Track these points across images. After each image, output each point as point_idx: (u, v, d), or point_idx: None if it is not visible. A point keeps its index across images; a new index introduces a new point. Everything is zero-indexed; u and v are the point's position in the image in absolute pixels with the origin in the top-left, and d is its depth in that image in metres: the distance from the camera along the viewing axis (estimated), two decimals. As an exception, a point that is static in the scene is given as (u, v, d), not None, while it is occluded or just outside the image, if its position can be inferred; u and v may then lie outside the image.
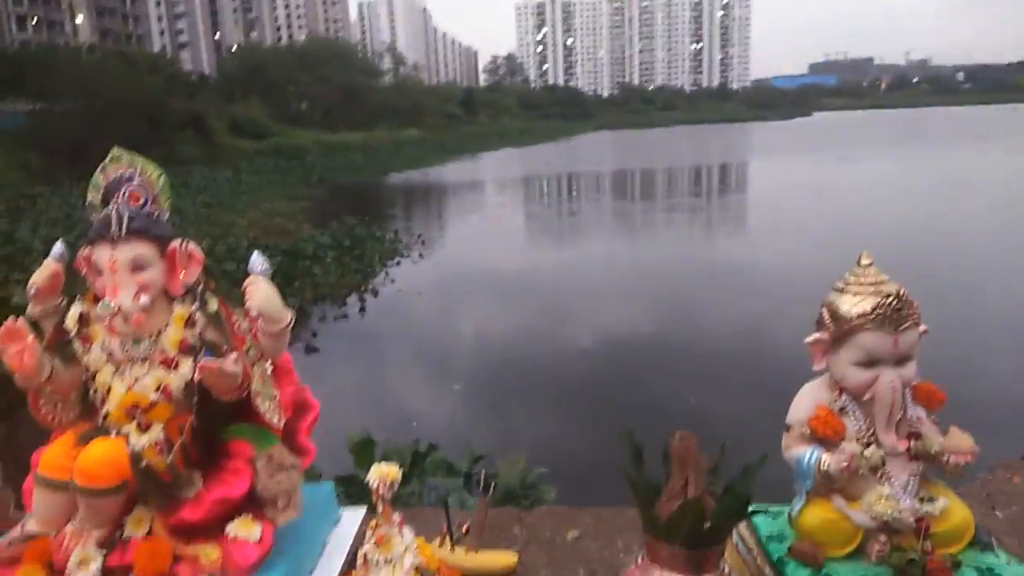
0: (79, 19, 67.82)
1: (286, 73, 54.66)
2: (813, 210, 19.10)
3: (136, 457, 1.36)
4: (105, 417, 1.40)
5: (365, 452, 4.37)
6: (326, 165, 35.71)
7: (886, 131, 58.37)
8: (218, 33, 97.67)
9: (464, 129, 68.37)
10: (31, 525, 1.42)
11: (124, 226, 1.38)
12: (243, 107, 43.56)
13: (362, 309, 10.72)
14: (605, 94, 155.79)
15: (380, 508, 1.36)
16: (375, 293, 11.47)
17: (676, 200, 24.96)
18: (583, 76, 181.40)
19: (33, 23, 63.61)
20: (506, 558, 1.67)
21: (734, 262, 13.34)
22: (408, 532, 1.37)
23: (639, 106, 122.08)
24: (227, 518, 1.40)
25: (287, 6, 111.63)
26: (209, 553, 1.34)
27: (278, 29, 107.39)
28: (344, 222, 16.35)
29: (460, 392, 7.84)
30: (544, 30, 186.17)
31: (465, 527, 1.69)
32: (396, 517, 1.38)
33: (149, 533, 1.38)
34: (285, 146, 39.80)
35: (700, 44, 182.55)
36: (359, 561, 1.36)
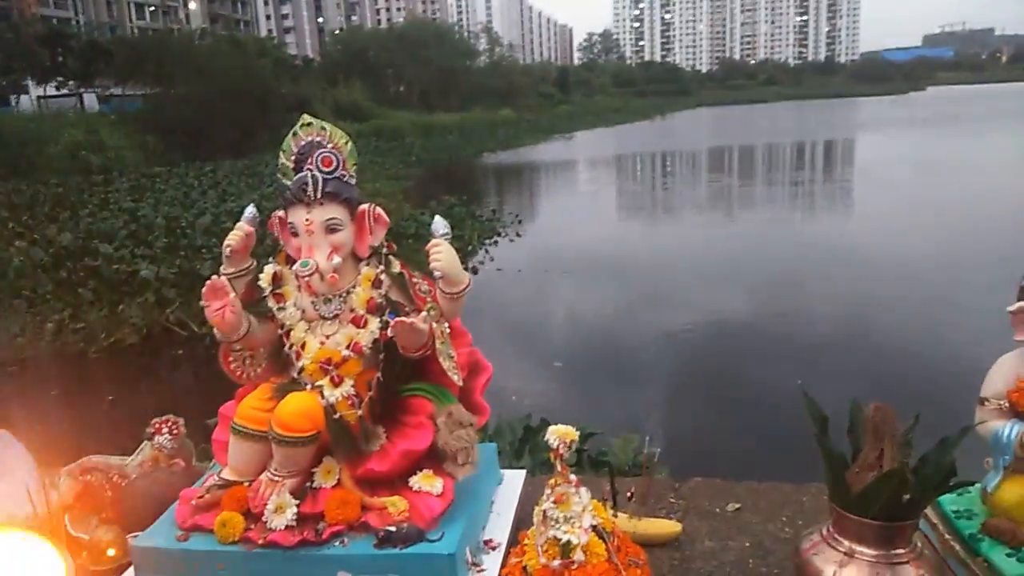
0: (191, 5, 71.06)
1: (386, 55, 55.69)
2: (926, 189, 18.11)
3: (330, 409, 1.43)
4: (300, 371, 1.47)
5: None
6: (423, 146, 36.26)
7: (1007, 106, 54.41)
8: (321, 17, 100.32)
9: (558, 108, 68.03)
10: (226, 473, 1.51)
11: (320, 189, 1.44)
12: (345, 90, 44.67)
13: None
14: (704, 69, 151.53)
15: (559, 467, 1.37)
16: (475, 271, 11.59)
17: (777, 178, 24.13)
18: (681, 51, 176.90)
19: (150, 10, 67.09)
20: (670, 526, 1.66)
21: (840, 242, 12.83)
22: (585, 492, 1.39)
23: (740, 81, 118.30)
24: (410, 471, 1.45)
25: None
26: (397, 503, 1.39)
27: (378, 12, 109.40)
28: (442, 201, 16.59)
29: (561, 369, 7.89)
30: (641, 5, 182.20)
31: (629, 493, 1.69)
32: (573, 477, 1.39)
33: (337, 484, 1.45)
34: (384, 128, 40.64)
35: (805, 16, 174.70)
36: (536, 519, 1.39)
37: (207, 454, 1.84)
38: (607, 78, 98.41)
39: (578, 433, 1.40)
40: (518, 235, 14.68)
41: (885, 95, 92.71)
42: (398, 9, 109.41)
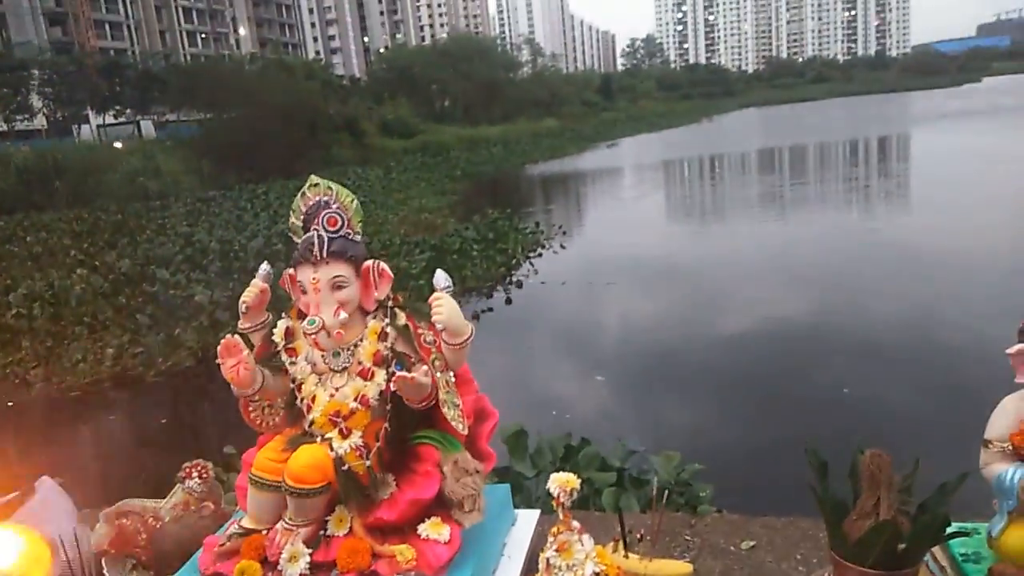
0: (241, 31, 73.12)
1: (430, 72, 56.40)
2: (985, 183, 17.52)
3: (339, 461, 1.49)
4: (311, 424, 1.53)
5: (519, 444, 4.46)
6: (468, 159, 36.58)
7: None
8: (366, 37, 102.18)
9: (602, 116, 67.84)
10: (246, 521, 1.57)
11: (325, 249, 1.50)
12: (391, 107, 45.39)
13: (508, 301, 10.91)
14: (750, 69, 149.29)
15: (561, 515, 1.40)
16: (519, 285, 11.65)
17: (830, 177, 23.62)
18: (726, 52, 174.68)
19: (202, 37, 69.25)
20: (681, 567, 1.67)
21: (897, 242, 12.50)
22: (588, 539, 1.41)
23: (788, 80, 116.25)
24: (418, 519, 1.49)
25: (429, 6, 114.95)
26: (405, 552, 1.43)
27: (421, 29, 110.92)
28: (487, 215, 16.70)
29: (605, 383, 7.84)
30: (684, 8, 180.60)
31: (640, 534, 1.71)
32: (576, 524, 1.42)
33: (349, 532, 1.50)
34: (430, 143, 41.13)
35: (854, 11, 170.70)
36: (541, 566, 1.42)
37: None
38: (651, 83, 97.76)
39: (579, 481, 1.42)
40: (562, 247, 14.69)
41: (939, 88, 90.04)
42: (441, 25, 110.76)
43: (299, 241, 1.57)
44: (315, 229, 1.54)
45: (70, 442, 7.81)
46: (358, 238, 1.59)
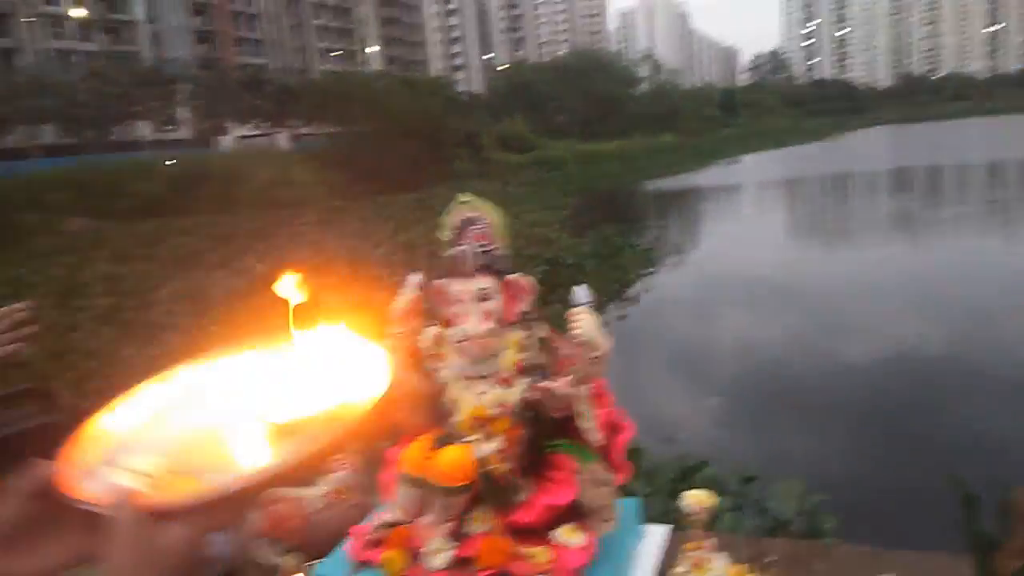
0: (370, 49, 76.46)
1: (548, 88, 57.01)
2: None
3: (482, 462, 1.57)
4: (456, 426, 1.63)
5: (634, 461, 4.45)
6: (583, 174, 36.64)
7: None
8: (488, 54, 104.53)
9: (723, 132, 66.37)
10: (392, 514, 1.68)
11: (473, 262, 1.60)
12: (509, 123, 46.15)
13: (620, 318, 10.86)
14: (882, 86, 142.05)
15: (696, 533, 1.43)
16: (633, 302, 11.56)
17: (969, 200, 22.17)
18: (857, 68, 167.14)
19: (334, 55, 72.90)
20: (813, 593, 1.66)
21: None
22: (722, 558, 1.43)
23: (923, 97, 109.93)
24: (553, 524, 1.56)
25: (550, 23, 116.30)
26: (541, 554, 1.50)
27: (541, 46, 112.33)
28: (600, 231, 16.67)
29: (721, 406, 7.68)
30: (813, 22, 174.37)
31: (769, 559, 1.70)
32: (710, 543, 1.44)
33: (488, 531, 1.58)
34: (545, 158, 41.50)
35: (996, 25, 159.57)
36: (673, 580, 1.45)
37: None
38: (776, 98, 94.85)
39: (719, 499, 1.45)
40: (678, 265, 14.49)
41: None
42: (562, 41, 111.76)
43: (447, 254, 1.68)
44: (464, 243, 1.64)
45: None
46: (503, 253, 1.68)
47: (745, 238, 18.04)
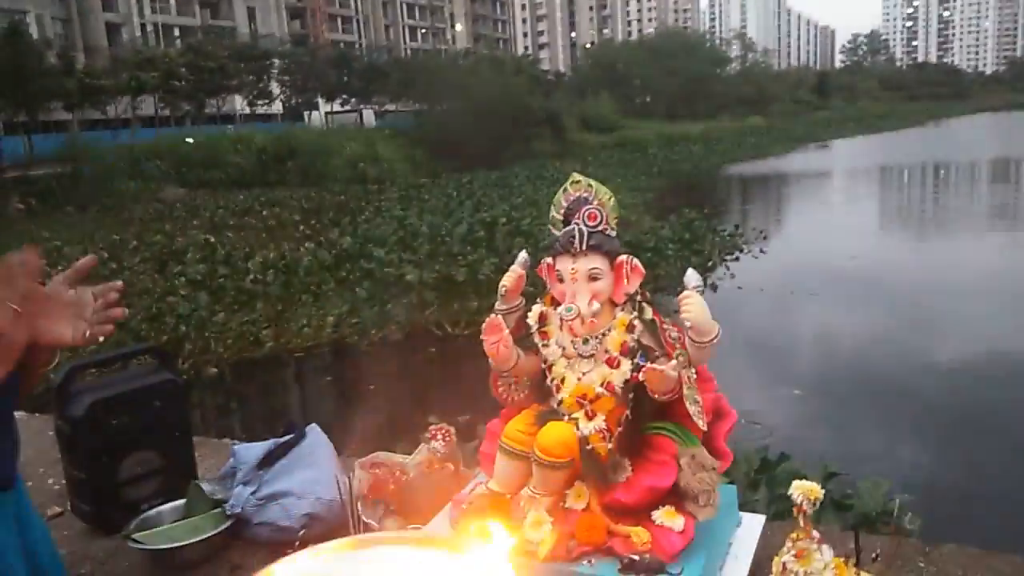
0: (458, 27, 76.82)
1: (634, 68, 56.15)
2: None
3: (583, 441, 1.59)
4: (559, 403, 1.65)
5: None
6: (666, 157, 36.03)
7: None
8: (574, 32, 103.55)
9: (815, 115, 64.13)
10: (492, 484, 1.72)
11: (584, 242, 1.61)
12: (593, 103, 45.71)
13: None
14: (988, 71, 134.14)
15: (801, 523, 1.42)
16: (714, 288, 11.36)
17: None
18: (961, 52, 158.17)
19: (422, 32, 73.61)
20: (918, 593, 1.62)
21: None
22: (828, 550, 1.41)
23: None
24: (652, 506, 1.56)
25: (638, 1, 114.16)
26: (640, 534, 1.51)
27: (629, 24, 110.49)
28: (682, 215, 16.39)
29: (803, 398, 7.52)
30: (916, 3, 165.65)
31: (875, 555, 1.67)
32: (816, 534, 1.42)
33: (586, 508, 1.60)
34: (628, 139, 40.99)
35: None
36: (775, 569, 1.44)
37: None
38: (873, 81, 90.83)
39: (823, 491, 1.43)
40: (762, 251, 14.15)
41: None
42: (649, 20, 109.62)
43: (558, 234, 1.69)
44: (576, 223, 1.65)
45: (303, 397, 8.75)
46: (614, 233, 1.68)
47: (834, 226, 17.46)
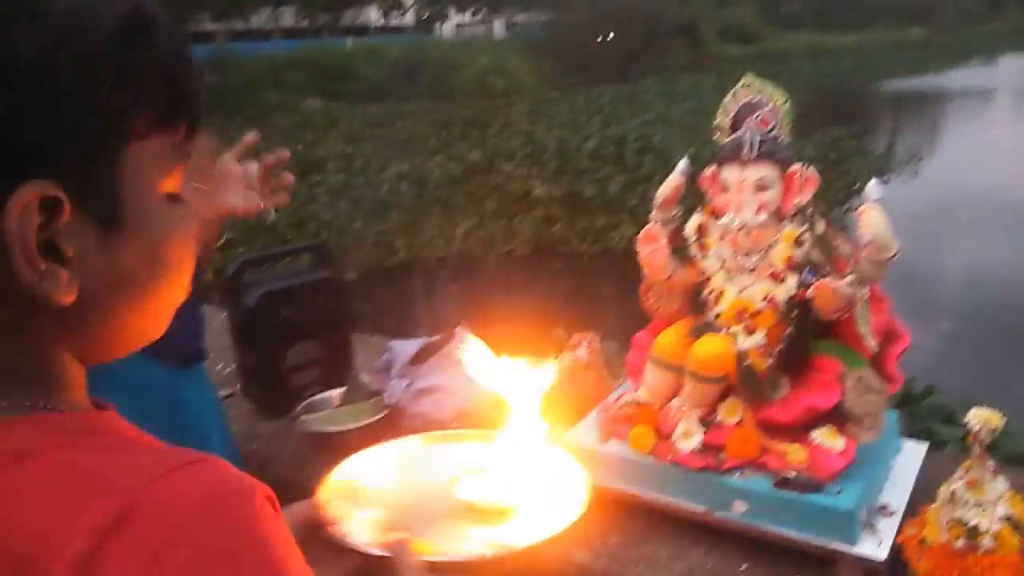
0: (591, -68, 73.48)
1: (783, -30, 52.07)
2: None
3: (741, 356, 1.55)
4: (716, 316, 1.61)
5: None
6: (812, 70, 33.63)
7: None
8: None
9: (983, 27, 57.73)
10: (640, 393, 1.73)
11: (755, 148, 1.53)
12: (734, 11, 42.98)
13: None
14: None
15: (976, 451, 1.34)
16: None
17: None
18: None
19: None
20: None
21: None
22: (1002, 481, 1.34)
23: None
24: (810, 426, 1.52)
25: None
26: (797, 452, 1.48)
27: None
28: (828, 133, 15.35)
29: (952, 332, 7.11)
30: None
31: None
32: (990, 464, 1.35)
33: (739, 422, 1.58)
34: (770, 51, 38.46)
35: None
36: (943, 496, 1.38)
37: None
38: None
39: (1002, 419, 1.34)
40: (914, 175, 13.16)
41: None
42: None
43: (726, 140, 1.61)
44: (746, 129, 1.56)
45: (434, 304, 9.08)
46: (787, 141, 1.59)
47: (995, 152, 15.93)
